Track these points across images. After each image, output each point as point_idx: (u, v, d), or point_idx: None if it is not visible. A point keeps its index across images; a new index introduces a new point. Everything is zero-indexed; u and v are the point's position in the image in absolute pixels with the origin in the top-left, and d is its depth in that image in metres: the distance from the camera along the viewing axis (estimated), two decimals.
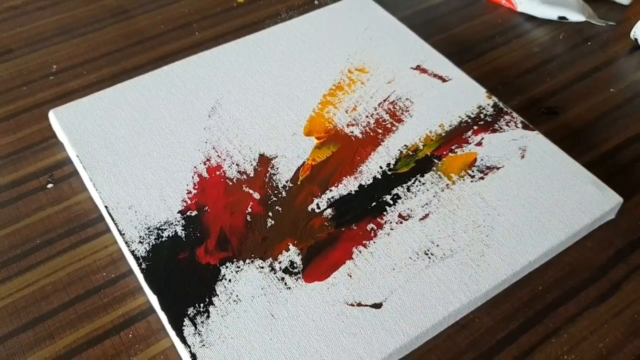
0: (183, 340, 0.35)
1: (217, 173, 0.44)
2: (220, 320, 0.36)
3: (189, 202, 0.42)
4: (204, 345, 0.35)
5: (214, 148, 0.45)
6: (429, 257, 0.39)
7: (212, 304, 0.37)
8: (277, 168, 0.44)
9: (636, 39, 0.56)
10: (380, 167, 0.44)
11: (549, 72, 0.54)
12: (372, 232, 0.40)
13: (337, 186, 0.43)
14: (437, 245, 0.39)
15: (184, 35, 0.58)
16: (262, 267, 0.38)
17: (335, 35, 0.54)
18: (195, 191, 0.42)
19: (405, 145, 0.45)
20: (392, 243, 0.40)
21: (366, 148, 0.45)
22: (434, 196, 0.42)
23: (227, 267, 0.38)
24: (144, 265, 0.38)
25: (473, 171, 0.44)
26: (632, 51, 0.56)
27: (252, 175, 0.44)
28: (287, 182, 0.43)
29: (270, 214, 0.41)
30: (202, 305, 0.37)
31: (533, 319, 0.38)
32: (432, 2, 0.62)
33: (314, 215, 0.41)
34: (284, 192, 0.43)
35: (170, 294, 0.37)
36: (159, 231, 0.40)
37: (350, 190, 0.43)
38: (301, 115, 0.47)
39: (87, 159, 0.44)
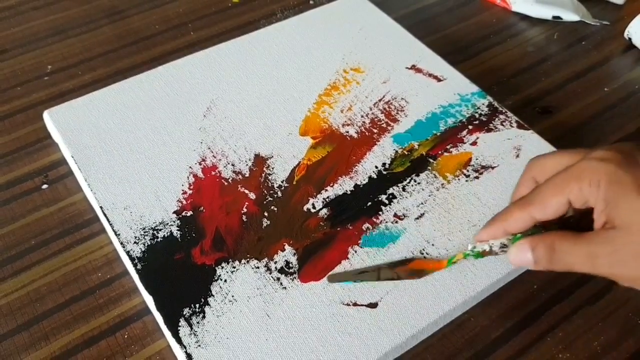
0: (179, 340, 0.35)
1: (213, 173, 0.44)
2: (215, 321, 0.36)
3: (184, 202, 0.42)
4: (199, 345, 0.35)
5: (209, 148, 0.45)
6: (425, 257, 0.39)
7: (208, 305, 0.37)
8: (272, 168, 0.44)
9: (630, 38, 0.57)
10: (376, 167, 0.44)
11: (544, 72, 0.55)
12: (368, 231, 0.40)
13: (332, 186, 0.43)
14: (433, 245, 0.39)
15: (179, 35, 0.58)
16: (258, 267, 0.38)
17: (330, 35, 0.54)
18: (191, 191, 0.42)
19: (400, 144, 0.45)
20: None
21: (361, 148, 0.45)
22: (429, 196, 0.42)
23: (222, 267, 0.38)
24: (139, 266, 0.38)
25: (468, 170, 0.44)
26: (626, 50, 0.57)
27: (247, 175, 0.43)
28: (282, 182, 0.43)
29: (265, 214, 0.41)
30: (197, 305, 0.37)
31: (528, 318, 0.38)
32: (427, 2, 0.62)
33: (310, 215, 0.41)
34: (279, 192, 0.43)
35: (165, 295, 0.37)
36: (155, 231, 0.40)
37: (346, 190, 0.43)
38: (296, 115, 0.47)
39: (82, 159, 0.44)
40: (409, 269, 0.38)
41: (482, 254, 0.34)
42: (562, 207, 0.31)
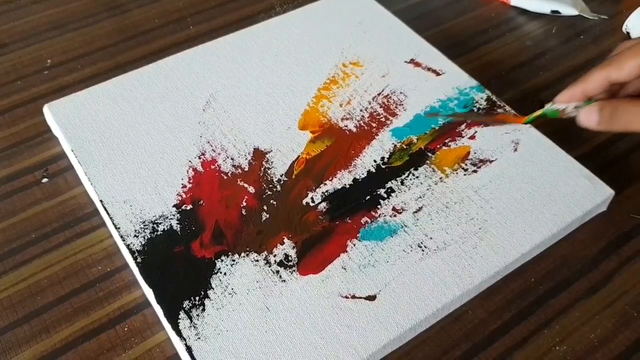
0: (178, 333, 0.35)
1: (212, 167, 0.44)
2: (215, 313, 0.36)
3: (184, 196, 0.42)
4: (199, 338, 0.35)
5: (208, 142, 0.45)
6: (423, 250, 0.39)
7: (208, 297, 0.37)
8: (271, 162, 0.44)
9: (628, 32, 0.57)
10: (375, 161, 0.44)
11: (542, 66, 0.55)
12: (366, 225, 0.40)
13: (331, 180, 0.43)
14: (431, 238, 0.40)
15: (178, 30, 0.58)
16: (257, 261, 0.39)
17: (329, 28, 0.54)
18: (190, 185, 0.43)
19: (399, 139, 0.46)
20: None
21: (360, 142, 0.45)
22: (428, 189, 0.42)
23: (222, 260, 0.39)
24: (139, 259, 0.39)
25: (466, 164, 0.44)
26: None
27: (246, 169, 0.44)
28: (281, 176, 0.43)
29: (265, 207, 0.41)
30: (197, 298, 0.37)
31: (525, 310, 0.39)
32: None
33: (309, 208, 0.41)
34: (278, 186, 0.43)
35: (165, 287, 0.37)
36: (154, 225, 0.40)
37: (345, 184, 0.43)
38: (296, 109, 0.48)
39: (81, 153, 0.44)
40: (494, 119, 0.43)
41: (558, 112, 0.37)
42: (636, 70, 0.34)
